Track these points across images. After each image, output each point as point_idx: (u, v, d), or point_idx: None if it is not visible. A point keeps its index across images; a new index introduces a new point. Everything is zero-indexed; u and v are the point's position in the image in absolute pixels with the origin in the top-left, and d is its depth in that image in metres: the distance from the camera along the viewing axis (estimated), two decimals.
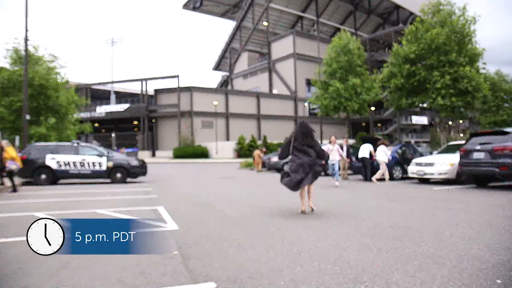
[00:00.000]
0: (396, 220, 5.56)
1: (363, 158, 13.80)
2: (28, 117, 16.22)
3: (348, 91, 24.99)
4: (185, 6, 78.75)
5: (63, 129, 21.37)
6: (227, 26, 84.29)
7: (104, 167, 14.40)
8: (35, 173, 13.90)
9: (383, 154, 13.04)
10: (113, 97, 57.45)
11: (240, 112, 55.26)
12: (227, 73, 77.84)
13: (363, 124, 61.12)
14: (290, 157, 7.40)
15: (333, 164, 11.93)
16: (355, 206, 7.40)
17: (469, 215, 5.94)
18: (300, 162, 7.05)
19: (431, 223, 5.33)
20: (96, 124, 55.30)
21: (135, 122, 54.31)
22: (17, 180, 14.29)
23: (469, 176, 10.82)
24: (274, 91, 63.48)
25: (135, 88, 56.61)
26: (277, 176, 19.10)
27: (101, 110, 52.23)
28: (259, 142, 48.82)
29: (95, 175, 14.44)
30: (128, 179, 15.08)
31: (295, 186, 7.07)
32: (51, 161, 14.00)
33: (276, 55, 64.20)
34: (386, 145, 13.46)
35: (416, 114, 58.87)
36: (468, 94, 21.01)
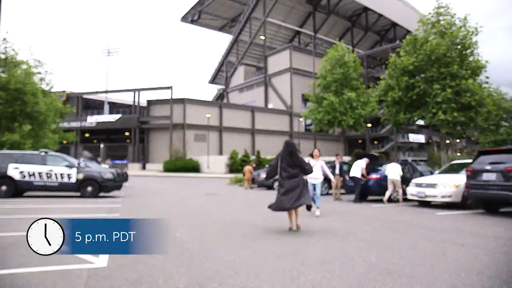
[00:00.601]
0: (396, 262, 4.29)
1: (354, 178, 12.60)
2: None
3: (343, 105, 23.78)
4: (184, 19, 78.62)
5: (41, 137, 20.03)
6: (225, 39, 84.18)
7: (73, 179, 13.06)
8: None
9: (395, 171, 11.90)
10: (106, 107, 56.32)
11: (234, 126, 54.17)
12: (223, 87, 77.12)
13: (359, 141, 60.13)
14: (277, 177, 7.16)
15: (313, 185, 9.17)
16: (343, 237, 6.13)
17: (491, 256, 4.67)
18: (287, 188, 6.94)
19: (443, 268, 4.05)
20: (87, 134, 54.07)
21: (127, 133, 53.00)
22: None
23: (477, 200, 9.58)
24: (270, 106, 62.63)
25: (128, 98, 55.53)
26: (266, 193, 17.91)
27: (92, 120, 50.92)
28: (252, 157, 47.57)
29: (63, 188, 13.08)
30: (103, 194, 13.77)
31: (279, 209, 7.03)
32: (14, 171, 12.66)
33: (272, 69, 63.58)
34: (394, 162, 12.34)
35: (414, 132, 58.02)
36: (472, 109, 19.69)
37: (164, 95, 50.71)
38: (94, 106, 55.68)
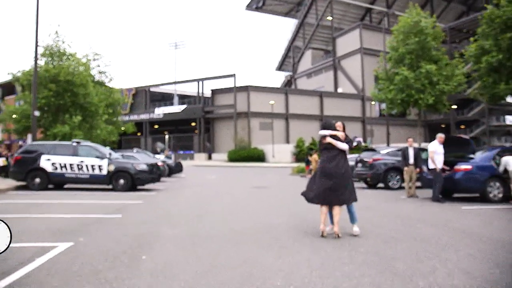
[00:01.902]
0: None
1: (432, 169, 9.53)
2: (37, 113, 14.64)
3: (420, 80, 19.56)
4: (248, 7, 77.17)
5: (94, 128, 19.78)
6: (290, 25, 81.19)
7: (104, 171, 11.99)
8: (29, 176, 11.94)
9: None
10: (176, 99, 57.42)
11: (301, 112, 51.44)
12: (290, 73, 74.52)
13: (442, 125, 53.43)
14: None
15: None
16: (411, 266, 3.64)
17: None
18: (324, 172, 5.51)
19: None
20: (156, 126, 55.70)
21: (193, 124, 53.41)
22: (9, 183, 12.56)
23: None
24: (339, 90, 58.57)
25: (195, 89, 55.89)
26: None
27: (159, 111, 52.14)
28: None
29: (94, 181, 12.10)
30: (142, 187, 12.64)
31: (310, 198, 5.70)
32: (46, 162, 11.95)
33: (341, 52, 59.24)
34: None
35: (511, 113, 49.80)
36: None
37: (228, 83, 49.86)
38: (162, 98, 57.07)
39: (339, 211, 5.43)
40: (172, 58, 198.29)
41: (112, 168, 12.00)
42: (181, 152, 51.89)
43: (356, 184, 15.54)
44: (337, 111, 53.22)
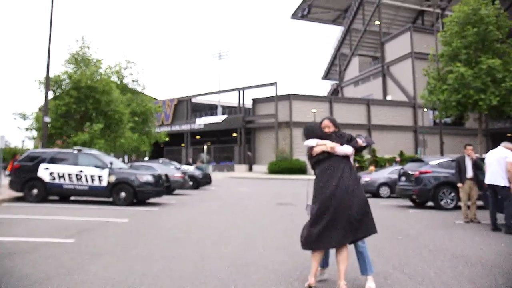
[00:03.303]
0: None
1: (494, 186, 7.07)
2: (47, 119, 13.94)
3: (479, 78, 16.37)
4: (293, 16, 75.83)
5: (117, 137, 18.99)
6: (336, 32, 78.73)
7: (104, 183, 10.74)
8: (25, 187, 10.99)
9: None
10: (219, 109, 57.03)
11: (346, 122, 48.43)
12: (336, 82, 71.64)
13: (509, 135, 47.70)
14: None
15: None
16: None
17: None
18: (326, 196, 3.51)
19: None
20: (198, 137, 55.49)
21: (234, 134, 52.46)
22: (9, 194, 11.72)
23: None
24: (388, 98, 54.82)
25: (236, 99, 55.12)
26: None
27: (200, 122, 51.83)
28: (367, 157, 41.45)
29: (93, 193, 10.88)
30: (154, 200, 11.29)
31: (308, 243, 3.58)
32: (44, 172, 10.94)
33: (390, 57, 55.58)
34: None
35: None
36: None
37: (270, 92, 48.37)
38: (203, 109, 56.90)
39: (346, 256, 3.45)
40: (216, 68, 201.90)
41: (112, 179, 10.73)
42: (222, 163, 51.04)
43: (399, 202, 13.27)
44: (386, 120, 49.69)
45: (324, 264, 3.81)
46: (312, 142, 3.68)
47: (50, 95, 17.16)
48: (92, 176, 10.77)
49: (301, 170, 42.07)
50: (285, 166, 42.07)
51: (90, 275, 3.86)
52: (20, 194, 11.24)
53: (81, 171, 10.84)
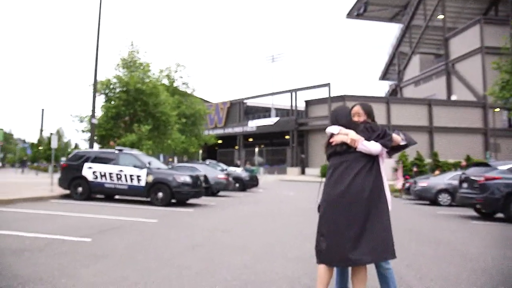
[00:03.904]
0: None
1: None
2: (94, 121, 14.41)
3: None
4: (349, 15, 73.53)
5: (164, 138, 19.31)
6: (395, 30, 75.02)
7: (142, 182, 10.75)
8: (72, 185, 11.37)
9: None
10: (273, 112, 56.81)
11: (405, 123, 45.59)
12: (395, 82, 68.03)
13: None
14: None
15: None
16: None
17: None
18: (329, 203, 2.88)
19: None
20: (250, 139, 55.60)
21: (286, 137, 51.80)
22: (58, 191, 12.20)
23: None
24: (453, 98, 50.72)
25: (289, 102, 54.46)
26: (418, 212, 11.75)
27: (252, 124, 51.87)
28: (428, 161, 38.57)
29: (132, 192, 10.94)
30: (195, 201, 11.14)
31: (318, 256, 2.89)
32: (88, 170, 11.23)
33: (456, 53, 51.42)
34: None
35: None
36: None
37: (323, 94, 47.05)
38: (255, 111, 56.94)
39: (365, 277, 2.73)
40: (269, 71, 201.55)
41: (150, 179, 10.70)
42: (273, 166, 50.65)
43: (461, 212, 11.71)
44: (450, 122, 46.00)
45: (343, 286, 3.10)
46: (334, 129, 3.01)
47: (102, 98, 17.86)
48: (131, 176, 10.83)
49: None
50: None
51: (79, 280, 3.53)
52: (67, 191, 11.65)
53: (121, 170, 10.95)
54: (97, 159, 11.36)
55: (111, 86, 17.98)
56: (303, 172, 47.92)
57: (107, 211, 8.84)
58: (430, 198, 14.52)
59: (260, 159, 52.75)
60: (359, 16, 72.23)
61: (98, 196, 12.31)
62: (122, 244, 5.23)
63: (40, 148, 50.74)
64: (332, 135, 3.00)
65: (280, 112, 54.46)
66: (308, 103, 48.99)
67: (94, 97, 14.24)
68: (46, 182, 16.21)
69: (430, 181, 15.02)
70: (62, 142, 53.53)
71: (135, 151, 11.99)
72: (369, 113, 3.15)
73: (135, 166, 10.91)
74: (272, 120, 50.99)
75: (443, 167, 36.00)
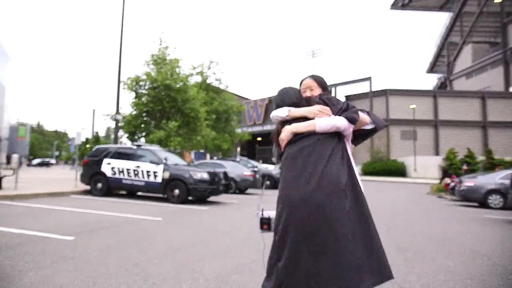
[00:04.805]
0: None
1: None
2: (119, 117, 14.36)
3: None
4: (393, 6, 70.08)
5: (194, 135, 19.11)
6: (444, 19, 70.46)
7: (159, 179, 10.43)
8: (92, 180, 11.33)
9: None
10: None
11: (454, 118, 42.49)
12: (444, 75, 63.93)
13: None
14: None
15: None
16: None
17: None
18: (291, 212, 2.03)
19: None
20: None
21: None
22: (80, 187, 12.24)
23: None
24: None
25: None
26: (457, 215, 10.28)
27: None
28: (480, 158, 35.56)
29: (149, 188, 10.66)
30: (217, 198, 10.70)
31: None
32: (107, 166, 11.12)
33: None
34: None
35: None
36: None
37: (364, 88, 45.03)
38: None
39: None
40: (308, 67, 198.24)
41: (167, 175, 10.34)
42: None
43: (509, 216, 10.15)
44: (508, 116, 42.09)
45: None
46: (281, 111, 2.29)
47: (132, 94, 17.95)
48: (148, 172, 10.55)
49: (399, 172, 38.14)
50: (381, 168, 38.65)
51: (17, 284, 3.07)
52: (90, 187, 11.65)
53: (138, 166, 10.71)
54: (116, 155, 11.22)
55: (140, 83, 18.02)
56: None
57: (117, 208, 8.56)
58: (478, 199, 12.98)
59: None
60: (404, 6, 68.58)
61: (121, 192, 12.23)
62: (102, 244, 4.78)
63: (88, 146, 53.20)
64: (281, 123, 2.28)
65: None
66: (348, 98, 47.14)
67: (118, 93, 14.23)
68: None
69: (478, 180, 13.43)
70: (111, 141, 55.89)
71: (153, 147, 11.73)
72: (324, 86, 2.40)
73: (151, 162, 10.63)
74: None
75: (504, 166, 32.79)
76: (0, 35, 36.30)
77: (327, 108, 2.13)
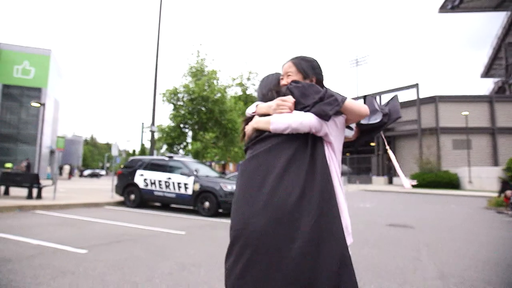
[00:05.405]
0: None
1: None
2: (154, 128, 14.49)
3: None
4: (442, 9, 66.86)
5: (231, 146, 18.98)
6: (499, 19, 65.89)
7: (189, 191, 10.27)
8: (125, 192, 11.44)
9: None
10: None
11: None
12: (501, 78, 59.52)
13: None
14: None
15: None
16: None
17: None
18: (241, 220, 1.55)
19: None
20: None
21: (372, 144, 48.50)
22: (115, 198, 12.38)
23: None
24: None
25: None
26: None
27: None
28: None
29: (180, 201, 10.51)
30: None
31: None
32: (139, 178, 11.17)
33: None
34: None
35: None
36: None
37: (410, 96, 42.92)
38: None
39: None
40: (353, 75, 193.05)
41: (197, 187, 10.15)
42: (359, 174, 47.71)
43: None
44: None
45: None
46: (250, 108, 1.88)
47: (171, 106, 18.21)
48: (178, 184, 10.43)
49: (452, 184, 35.56)
50: (431, 179, 36.27)
51: None
52: (123, 198, 11.76)
53: (169, 178, 10.64)
54: (149, 166, 11.25)
55: (179, 95, 18.26)
56: (390, 182, 44.17)
57: (144, 220, 8.45)
58: None
59: (345, 168, 50.19)
60: (453, 8, 65.12)
61: (156, 204, 12.24)
62: (112, 259, 4.56)
63: None
64: (247, 119, 1.87)
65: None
66: None
67: (154, 106, 14.47)
68: None
69: None
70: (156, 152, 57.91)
71: (185, 158, 11.64)
72: (305, 72, 1.86)
73: (182, 174, 10.51)
74: (355, 126, 48.19)
75: None
76: (56, 54, 39.62)
77: (288, 101, 1.66)
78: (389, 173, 44.80)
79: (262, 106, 1.77)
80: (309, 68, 1.86)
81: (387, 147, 2.12)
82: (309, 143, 1.60)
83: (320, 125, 1.59)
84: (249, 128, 1.75)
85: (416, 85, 41.45)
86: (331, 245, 1.40)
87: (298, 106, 1.65)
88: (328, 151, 1.64)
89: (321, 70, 1.89)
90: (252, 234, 1.46)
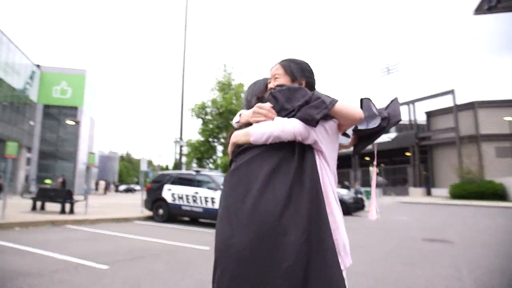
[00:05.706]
0: None
1: None
2: (182, 143, 14.59)
3: None
4: (477, 11, 64.07)
5: None
6: None
7: (216, 205, 10.17)
8: (154, 206, 11.53)
9: None
10: (392, 128, 52.61)
11: None
12: None
13: None
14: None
15: None
16: None
17: None
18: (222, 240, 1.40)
19: None
20: (367, 158, 51.92)
21: (407, 154, 46.80)
22: (145, 212, 12.50)
23: None
24: None
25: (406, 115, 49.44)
26: None
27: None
28: None
29: (207, 215, 10.44)
30: None
31: None
32: (167, 192, 11.23)
33: None
34: None
35: None
36: None
37: (447, 102, 41.17)
38: None
39: None
40: (384, 84, 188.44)
41: None
42: (395, 186, 46.12)
43: None
44: None
45: None
46: (235, 118, 1.72)
47: (199, 121, 18.40)
48: (205, 198, 10.38)
49: (497, 195, 33.43)
50: (473, 190, 34.30)
51: None
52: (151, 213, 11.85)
53: (196, 192, 10.61)
54: (177, 181, 11.30)
55: (207, 109, 18.44)
56: (428, 193, 42.23)
57: (170, 235, 8.41)
58: None
59: (380, 179, 48.71)
60: (490, 9, 62.40)
61: (184, 218, 12.24)
62: (130, 276, 4.48)
63: None
64: (236, 130, 1.70)
65: (398, 126, 49.77)
66: (429, 114, 43.59)
67: (182, 120, 14.65)
68: None
69: None
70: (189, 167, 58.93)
71: (212, 173, 11.61)
72: (293, 75, 1.68)
73: (209, 188, 10.46)
74: (389, 136, 46.77)
75: None
76: (91, 74, 41.66)
77: (264, 108, 1.48)
78: (427, 184, 42.91)
79: (244, 115, 1.61)
80: (297, 70, 1.69)
81: (375, 162, 1.90)
82: (296, 152, 1.41)
83: (306, 131, 1.41)
84: (229, 146, 1.59)
85: (452, 91, 39.78)
86: (321, 269, 1.20)
87: (283, 112, 1.47)
88: (319, 161, 1.44)
89: (312, 73, 1.71)
90: (232, 256, 1.29)
